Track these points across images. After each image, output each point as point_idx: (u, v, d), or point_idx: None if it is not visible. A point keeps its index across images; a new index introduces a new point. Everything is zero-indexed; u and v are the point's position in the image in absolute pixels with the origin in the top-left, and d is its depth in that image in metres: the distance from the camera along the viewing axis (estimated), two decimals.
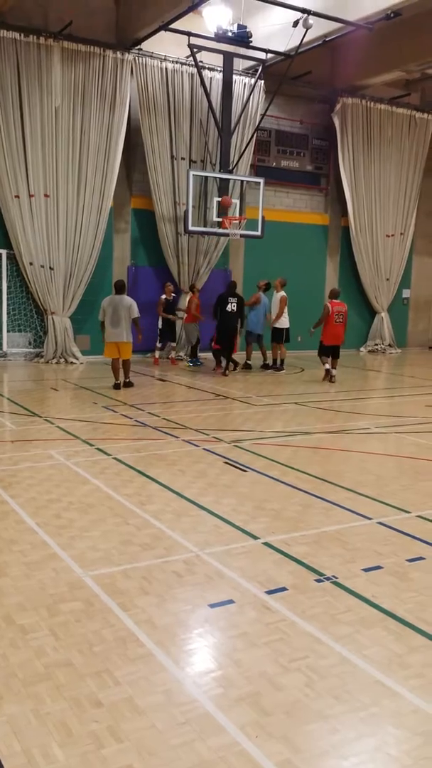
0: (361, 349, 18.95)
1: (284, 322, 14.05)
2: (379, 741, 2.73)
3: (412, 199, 19.03)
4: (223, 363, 13.75)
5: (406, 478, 6.63)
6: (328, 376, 13.14)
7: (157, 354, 14.98)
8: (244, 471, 6.69)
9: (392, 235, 18.74)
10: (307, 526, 5.15)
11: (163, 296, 14.59)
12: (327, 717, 2.86)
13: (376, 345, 19.05)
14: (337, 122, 17.38)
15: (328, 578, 4.20)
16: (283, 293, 14.05)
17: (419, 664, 3.27)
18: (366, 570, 4.34)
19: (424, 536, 4.98)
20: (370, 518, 5.37)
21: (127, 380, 11.64)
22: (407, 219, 19.06)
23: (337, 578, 4.21)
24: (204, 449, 7.50)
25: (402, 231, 18.96)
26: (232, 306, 13.55)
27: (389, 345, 19.13)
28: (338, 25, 13.48)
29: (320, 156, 17.97)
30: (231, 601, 3.87)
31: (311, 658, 3.30)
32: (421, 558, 4.56)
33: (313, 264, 18.14)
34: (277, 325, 14.05)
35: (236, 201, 15.34)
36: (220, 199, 14.91)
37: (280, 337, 14.13)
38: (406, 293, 19.98)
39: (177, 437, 8.04)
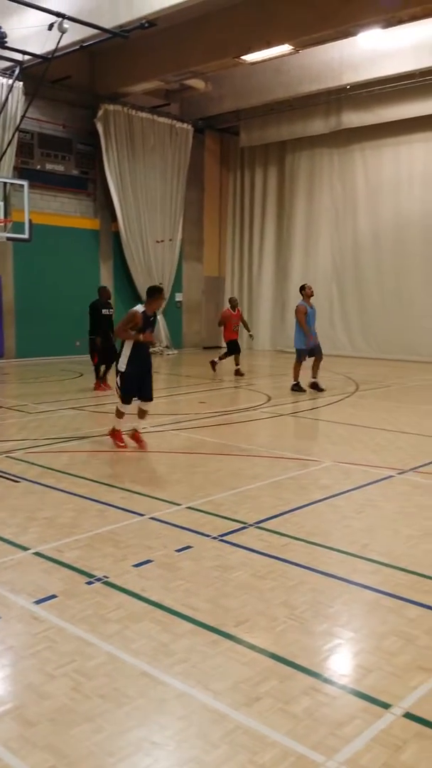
0: None
1: None
2: (144, 731, 2.76)
3: (177, 206, 19.70)
4: None
5: (179, 473, 6.83)
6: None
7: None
8: (17, 482, 6.45)
9: (162, 241, 19.25)
10: (81, 531, 5.09)
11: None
12: (92, 717, 2.84)
13: (155, 347, 19.46)
14: (100, 128, 17.47)
15: (99, 579, 4.19)
16: None
17: (183, 649, 3.37)
18: (136, 565, 4.39)
19: (192, 526, 5.16)
20: (142, 515, 5.45)
21: None
22: (174, 225, 19.69)
23: (108, 578, 4.21)
24: None
25: (171, 237, 19.56)
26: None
27: (166, 347, 19.63)
28: (96, 31, 13.54)
29: (86, 161, 17.94)
30: None
31: (78, 661, 3.27)
32: (189, 547, 4.72)
33: (87, 269, 18.07)
34: None
35: (0, 203, 14.80)
36: None
37: None
38: (178, 297, 20.65)
39: None
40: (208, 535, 4.96)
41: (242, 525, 5.20)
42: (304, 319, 12.08)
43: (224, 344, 15.33)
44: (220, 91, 18.50)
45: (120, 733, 2.75)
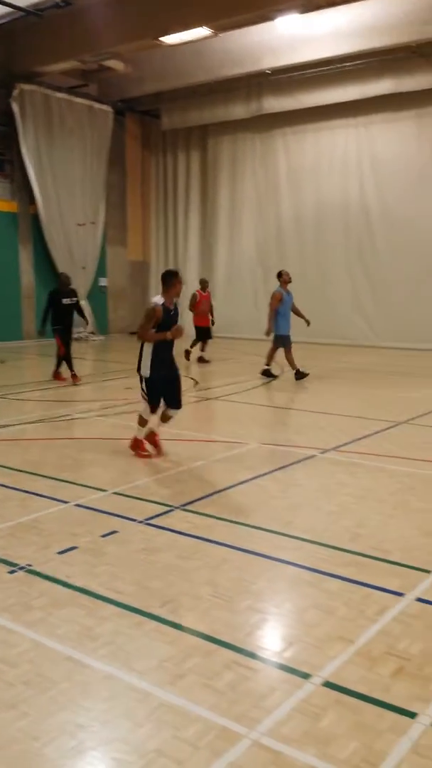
0: None
1: None
2: (68, 714, 2.77)
3: (99, 189, 19.38)
4: None
5: (104, 458, 6.79)
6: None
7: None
8: None
9: (83, 224, 18.92)
10: (2, 520, 5.00)
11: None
12: (16, 704, 2.83)
13: (80, 333, 19.16)
14: (15, 108, 16.93)
15: (21, 568, 4.14)
16: None
17: (108, 632, 3.38)
18: (60, 553, 4.36)
19: (117, 511, 5.15)
20: (67, 502, 5.40)
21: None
22: (96, 209, 19.38)
23: (31, 566, 4.16)
24: None
25: (93, 220, 19.24)
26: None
27: (92, 332, 19.36)
28: (9, 9, 13.12)
29: (2, 141, 17.38)
30: None
31: (1, 650, 3.23)
32: (114, 532, 4.72)
33: (5, 252, 17.59)
34: None
35: None
36: None
37: None
38: (102, 281, 20.37)
39: None
40: (134, 520, 4.96)
41: (168, 508, 5.23)
42: (278, 305, 11.82)
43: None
44: (140, 73, 18.21)
45: (44, 717, 2.75)
